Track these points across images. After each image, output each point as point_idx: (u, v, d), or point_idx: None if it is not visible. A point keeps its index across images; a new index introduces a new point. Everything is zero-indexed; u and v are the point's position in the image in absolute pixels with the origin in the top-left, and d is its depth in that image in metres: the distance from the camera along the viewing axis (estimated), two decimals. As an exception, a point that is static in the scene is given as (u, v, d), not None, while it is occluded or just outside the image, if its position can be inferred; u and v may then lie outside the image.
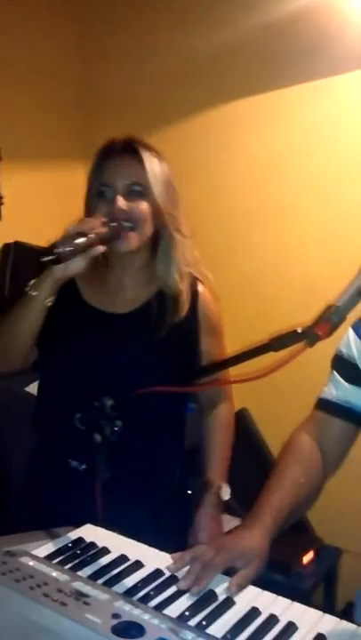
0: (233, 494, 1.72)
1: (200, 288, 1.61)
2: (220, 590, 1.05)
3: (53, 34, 2.85)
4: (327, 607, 1.03)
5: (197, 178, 2.71)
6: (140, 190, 1.48)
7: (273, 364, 1.09)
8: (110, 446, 1.40)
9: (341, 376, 1.32)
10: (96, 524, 1.25)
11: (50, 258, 1.30)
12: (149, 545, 1.18)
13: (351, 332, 1.32)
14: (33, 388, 1.97)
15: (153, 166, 1.49)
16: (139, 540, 1.20)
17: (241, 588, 1.06)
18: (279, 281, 2.57)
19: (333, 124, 2.39)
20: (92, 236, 1.35)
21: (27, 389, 2.17)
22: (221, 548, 1.11)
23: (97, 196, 1.51)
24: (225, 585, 1.07)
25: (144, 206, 1.48)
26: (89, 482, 1.40)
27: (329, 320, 1.06)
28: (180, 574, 1.09)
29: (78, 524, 1.24)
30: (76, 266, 1.37)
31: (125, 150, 1.50)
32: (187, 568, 1.09)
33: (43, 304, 1.41)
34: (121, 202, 1.46)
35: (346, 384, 1.31)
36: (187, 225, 1.57)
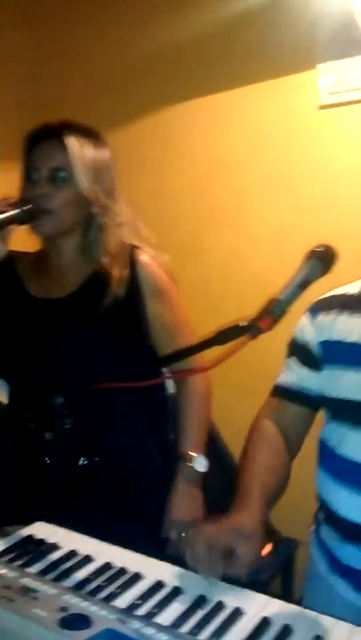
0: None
1: (142, 257, 1.58)
2: (168, 579, 1.07)
3: (6, 23, 2.80)
4: (285, 597, 1.06)
5: (146, 181, 2.72)
6: (64, 176, 1.46)
7: (217, 356, 1.11)
8: (63, 444, 1.40)
9: (296, 361, 1.35)
10: (48, 521, 1.26)
11: None
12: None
13: (305, 318, 1.35)
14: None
15: (80, 153, 1.46)
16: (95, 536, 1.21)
17: (249, 570, 1.06)
18: (230, 282, 2.59)
19: (281, 125, 2.41)
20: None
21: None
22: (221, 527, 1.10)
23: (26, 178, 1.51)
24: (173, 574, 1.08)
25: (64, 193, 1.47)
26: (47, 479, 1.41)
27: (271, 313, 1.09)
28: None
29: (31, 522, 1.24)
30: None
31: (55, 135, 1.49)
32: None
33: None
34: (38, 187, 1.46)
35: (301, 368, 1.34)
36: (126, 212, 1.57)
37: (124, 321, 1.53)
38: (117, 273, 1.52)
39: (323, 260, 1.14)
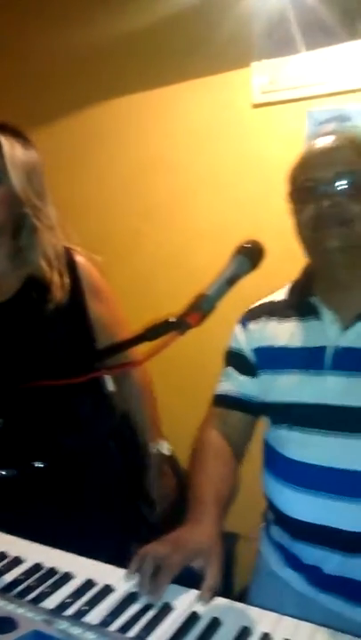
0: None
1: (78, 258, 1.58)
2: (99, 578, 1.06)
3: None
4: (225, 591, 1.06)
5: (85, 176, 2.70)
6: None
7: (148, 351, 1.11)
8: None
9: (234, 369, 1.38)
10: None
11: None
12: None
13: (238, 327, 1.39)
14: None
15: (12, 152, 1.46)
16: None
17: (213, 594, 1.02)
18: (171, 279, 2.60)
19: (216, 122, 2.43)
20: None
21: None
22: (176, 545, 1.06)
23: None
24: (103, 572, 1.08)
25: None
26: None
27: (199, 309, 1.09)
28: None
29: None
30: None
31: None
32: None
33: None
34: None
35: (239, 376, 1.37)
36: (55, 215, 1.56)
37: (69, 324, 1.52)
38: (57, 277, 1.51)
39: (250, 255, 1.16)
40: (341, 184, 1.17)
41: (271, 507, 1.33)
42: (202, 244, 2.51)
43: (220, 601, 1.03)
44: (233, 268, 1.14)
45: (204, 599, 1.02)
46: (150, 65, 2.50)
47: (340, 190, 1.17)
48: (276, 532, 1.32)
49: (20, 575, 1.06)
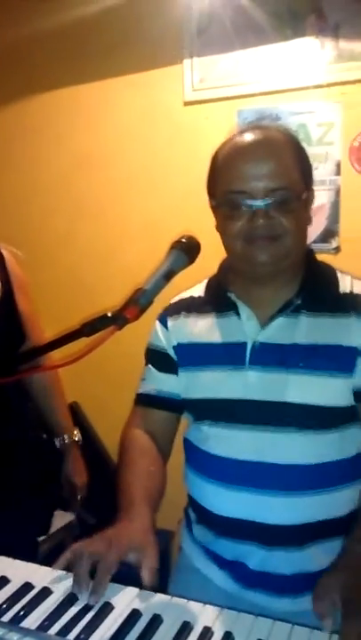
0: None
1: (5, 252, 1.64)
2: (37, 581, 1.03)
3: None
4: (161, 588, 1.05)
5: (13, 174, 2.64)
6: None
7: (83, 348, 1.09)
8: None
9: (154, 367, 1.37)
10: None
11: None
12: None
13: (158, 324, 1.38)
14: None
15: None
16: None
17: (153, 578, 1.01)
18: (102, 274, 2.58)
19: (147, 119, 2.42)
20: None
21: None
22: (109, 542, 1.04)
23: None
24: (41, 575, 1.05)
25: None
26: None
27: (137, 303, 1.08)
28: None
29: None
30: None
31: None
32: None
33: None
34: None
35: (160, 374, 1.36)
36: None
37: (2, 320, 1.54)
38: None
39: (186, 250, 1.15)
40: (274, 200, 1.15)
41: (193, 504, 1.34)
42: (134, 240, 2.50)
43: (160, 597, 1.02)
44: (170, 262, 1.14)
45: (148, 581, 1.00)
46: (82, 60, 2.47)
47: (272, 207, 1.15)
48: (199, 529, 1.32)
49: None
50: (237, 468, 1.22)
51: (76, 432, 1.89)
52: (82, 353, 1.11)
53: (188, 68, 2.29)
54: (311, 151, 1.48)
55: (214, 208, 1.25)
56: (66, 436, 1.85)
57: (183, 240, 1.16)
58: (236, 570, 1.25)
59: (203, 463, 1.28)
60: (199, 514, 1.31)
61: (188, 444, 1.35)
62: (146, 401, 1.37)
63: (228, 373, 1.24)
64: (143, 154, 2.45)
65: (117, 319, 1.07)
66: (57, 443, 1.84)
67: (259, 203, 1.15)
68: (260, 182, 1.15)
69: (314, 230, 2.15)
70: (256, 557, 1.22)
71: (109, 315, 1.08)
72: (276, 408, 1.18)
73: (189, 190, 2.36)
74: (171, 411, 1.36)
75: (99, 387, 2.59)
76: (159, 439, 1.34)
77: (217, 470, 1.25)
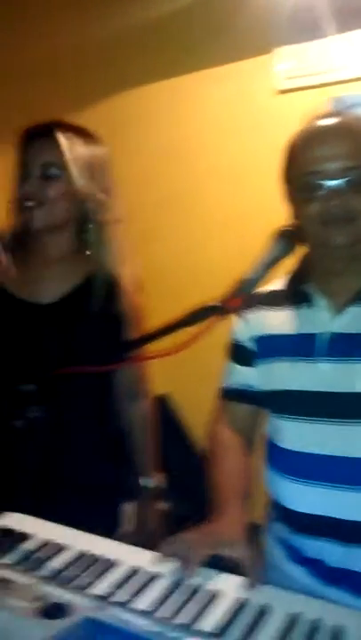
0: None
1: (122, 281, 1.56)
2: (144, 565, 1.06)
3: None
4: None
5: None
6: (55, 172, 1.48)
7: (186, 339, 1.10)
8: (34, 433, 1.38)
9: (236, 362, 1.37)
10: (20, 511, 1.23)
11: None
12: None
13: (236, 319, 1.37)
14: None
15: (70, 149, 1.48)
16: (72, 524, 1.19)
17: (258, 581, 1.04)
18: (186, 267, 2.59)
19: (237, 110, 2.41)
20: None
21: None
22: (204, 535, 1.10)
23: (19, 176, 1.51)
24: (148, 559, 1.07)
25: (55, 187, 1.47)
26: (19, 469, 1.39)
27: (240, 293, 1.08)
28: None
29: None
30: None
31: (45, 133, 1.50)
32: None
33: None
34: (30, 184, 1.47)
35: (240, 367, 1.36)
36: (120, 210, 1.57)
37: (105, 335, 1.53)
38: (126, 271, 1.53)
39: (289, 238, 1.14)
40: (349, 179, 1.13)
41: (271, 500, 1.32)
42: (220, 234, 2.49)
43: (266, 588, 1.02)
44: (272, 251, 1.13)
45: (252, 583, 1.02)
46: (172, 53, 2.49)
47: (347, 186, 1.13)
48: (277, 525, 1.31)
49: (65, 563, 1.06)
50: (311, 463, 1.19)
51: (154, 476, 1.67)
52: (185, 343, 1.12)
53: (280, 56, 2.26)
54: None
55: (290, 195, 1.24)
56: (152, 480, 1.66)
57: (288, 228, 1.15)
58: (315, 567, 1.23)
59: (277, 457, 1.28)
60: (277, 510, 1.30)
61: (267, 439, 1.34)
62: (228, 395, 1.38)
63: (299, 365, 1.22)
64: (232, 146, 2.44)
65: (221, 309, 1.07)
66: (141, 482, 1.65)
67: (334, 182, 1.13)
68: (335, 162, 1.14)
69: None
70: (335, 554, 1.19)
71: (213, 304, 1.09)
72: (348, 399, 1.15)
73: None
74: (252, 403, 1.35)
75: (189, 378, 2.61)
76: (244, 433, 1.35)
77: (290, 465, 1.23)
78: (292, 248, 1.14)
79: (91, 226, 1.53)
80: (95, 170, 1.51)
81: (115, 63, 2.62)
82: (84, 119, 2.74)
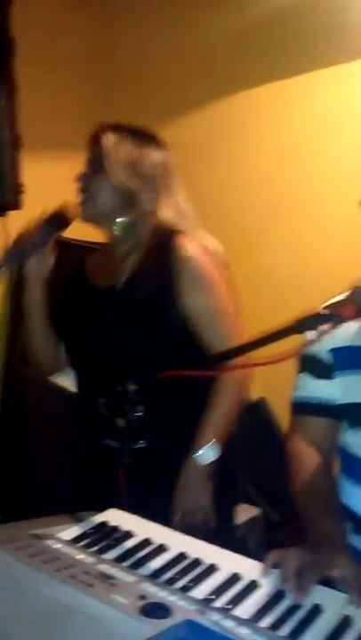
0: (252, 483, 1.69)
1: (181, 243, 1.55)
2: (245, 572, 1.05)
3: (70, 24, 2.83)
4: None
5: (214, 171, 2.70)
6: (98, 167, 1.58)
7: (291, 348, 1.08)
8: (133, 431, 1.40)
9: (310, 374, 1.34)
10: (120, 508, 1.25)
11: None
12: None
13: (310, 332, 1.32)
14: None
15: (114, 148, 1.57)
16: (165, 523, 1.20)
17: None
18: (297, 272, 2.55)
19: (349, 112, 2.36)
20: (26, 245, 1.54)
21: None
22: (313, 553, 1.06)
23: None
24: (248, 566, 1.07)
25: (99, 180, 1.58)
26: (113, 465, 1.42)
27: (355, 301, 1.05)
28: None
29: (104, 508, 1.25)
30: (35, 268, 1.55)
31: (103, 132, 1.61)
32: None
33: (35, 304, 1.59)
34: (80, 178, 1.61)
35: (315, 380, 1.32)
36: (177, 205, 1.62)
37: (161, 312, 1.54)
38: (150, 265, 1.55)
39: None
40: None
41: (349, 514, 1.27)
42: (331, 238, 2.44)
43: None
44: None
45: (358, 601, 0.98)
46: (284, 54, 2.47)
47: None
48: (356, 540, 1.26)
49: (166, 564, 1.07)
50: None
51: (207, 445, 1.55)
52: (295, 350, 1.10)
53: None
54: None
55: None
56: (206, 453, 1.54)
57: None
58: None
59: (357, 469, 1.24)
60: (356, 524, 1.26)
61: (343, 452, 1.31)
62: (303, 409, 1.35)
63: None
64: (343, 148, 2.39)
65: (333, 317, 1.04)
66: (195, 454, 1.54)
67: None
68: None
69: None
70: None
71: (324, 312, 1.06)
72: None
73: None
74: (329, 417, 1.32)
75: (285, 384, 2.57)
76: (322, 446, 1.32)
77: None
78: None
79: (124, 218, 1.59)
80: (139, 168, 1.57)
81: (229, 63, 2.62)
82: (199, 121, 2.78)
